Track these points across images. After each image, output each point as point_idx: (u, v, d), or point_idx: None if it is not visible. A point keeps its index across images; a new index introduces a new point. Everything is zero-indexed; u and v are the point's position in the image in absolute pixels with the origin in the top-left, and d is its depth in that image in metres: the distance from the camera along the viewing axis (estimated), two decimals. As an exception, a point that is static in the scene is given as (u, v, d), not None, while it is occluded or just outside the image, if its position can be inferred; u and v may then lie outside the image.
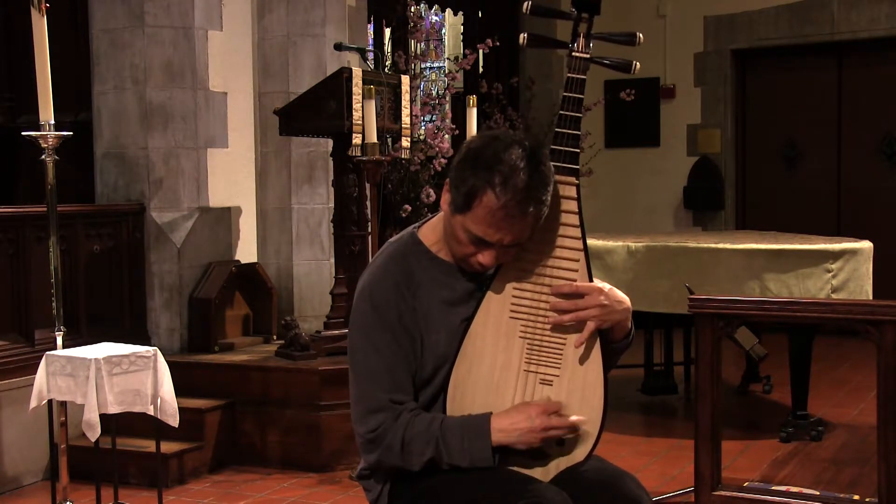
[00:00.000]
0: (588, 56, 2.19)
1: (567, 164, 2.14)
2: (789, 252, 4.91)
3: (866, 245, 5.04)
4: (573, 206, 2.13)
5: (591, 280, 2.14)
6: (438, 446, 2.08)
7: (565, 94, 2.17)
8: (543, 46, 2.28)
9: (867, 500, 3.49)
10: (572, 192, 2.14)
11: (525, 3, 2.27)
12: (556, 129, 2.16)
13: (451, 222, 2.09)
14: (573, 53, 2.18)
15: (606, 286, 2.15)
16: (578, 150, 2.15)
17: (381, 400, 2.11)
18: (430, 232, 2.22)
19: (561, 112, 2.16)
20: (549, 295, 2.12)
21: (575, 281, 2.13)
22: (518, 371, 2.13)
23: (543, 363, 2.13)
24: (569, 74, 2.17)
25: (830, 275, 4.85)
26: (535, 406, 2.09)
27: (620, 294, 2.17)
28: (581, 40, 2.19)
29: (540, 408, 2.08)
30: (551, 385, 2.12)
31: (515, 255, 2.12)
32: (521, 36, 2.26)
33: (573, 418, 2.10)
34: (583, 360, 2.13)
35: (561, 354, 2.13)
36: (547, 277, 2.13)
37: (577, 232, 2.13)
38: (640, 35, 2.23)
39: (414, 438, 2.09)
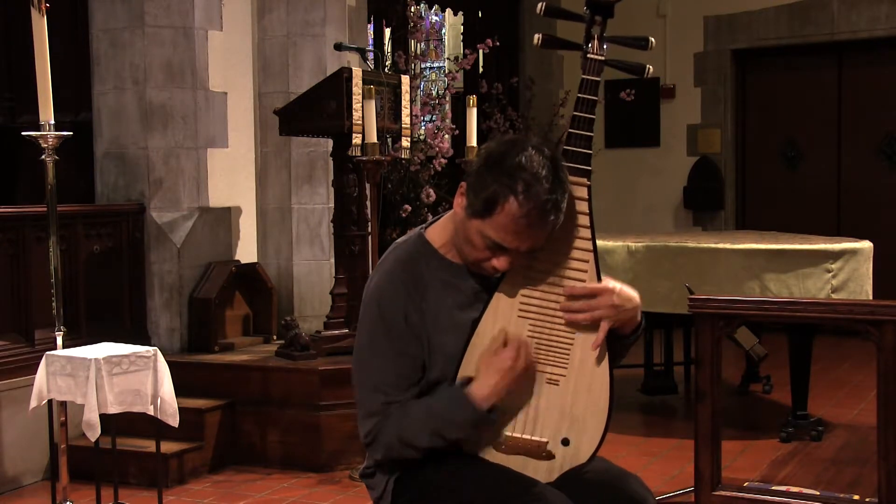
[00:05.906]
0: (602, 58, 2.19)
1: (580, 164, 2.14)
2: (789, 252, 4.91)
3: (866, 245, 5.04)
4: (584, 206, 2.14)
5: (599, 279, 2.14)
6: (433, 429, 2.08)
7: (580, 95, 2.16)
8: (558, 47, 2.27)
9: (867, 500, 3.49)
10: (584, 192, 2.14)
11: (539, 4, 2.26)
12: (570, 130, 2.15)
13: (467, 226, 2.07)
14: (587, 55, 2.18)
15: (617, 285, 2.14)
16: (591, 152, 2.15)
17: (377, 403, 2.12)
18: (438, 233, 2.20)
19: (575, 113, 2.16)
20: (559, 295, 2.12)
21: (584, 281, 2.12)
22: None
23: (551, 363, 2.13)
24: (583, 76, 2.17)
25: (830, 275, 4.85)
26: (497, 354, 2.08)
27: (630, 291, 2.16)
28: (595, 42, 2.19)
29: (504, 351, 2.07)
30: (558, 385, 2.12)
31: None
32: (536, 36, 2.25)
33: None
34: (590, 360, 2.12)
35: (568, 354, 2.12)
36: (557, 277, 2.13)
37: (588, 233, 2.13)
38: (653, 40, 2.23)
39: (407, 431, 2.09)
